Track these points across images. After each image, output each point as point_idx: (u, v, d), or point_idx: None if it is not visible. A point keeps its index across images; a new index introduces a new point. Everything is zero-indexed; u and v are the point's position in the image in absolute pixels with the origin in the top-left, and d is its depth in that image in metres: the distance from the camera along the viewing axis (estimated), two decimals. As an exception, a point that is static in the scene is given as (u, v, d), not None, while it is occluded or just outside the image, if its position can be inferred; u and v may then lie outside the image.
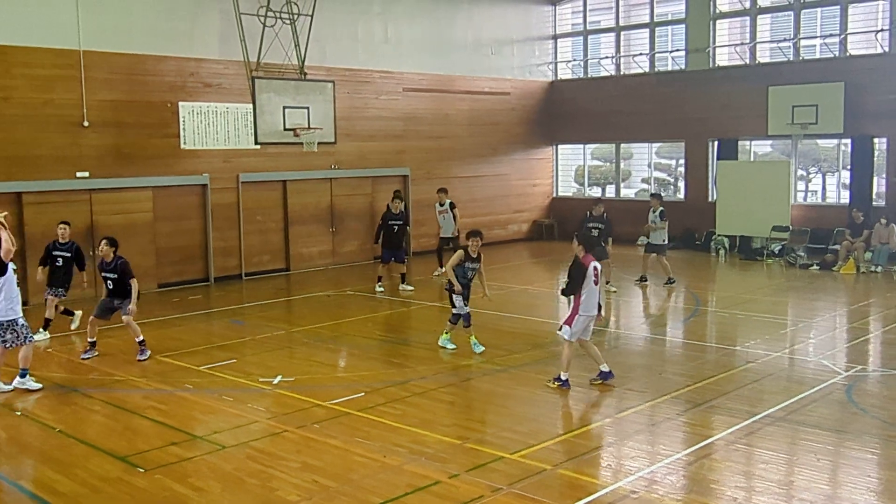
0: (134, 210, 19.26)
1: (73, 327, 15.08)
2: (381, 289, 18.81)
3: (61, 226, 14.75)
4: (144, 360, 12.91)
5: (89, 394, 11.36)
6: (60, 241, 14.67)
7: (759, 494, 7.82)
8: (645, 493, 7.79)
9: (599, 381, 11.36)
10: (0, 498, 8.27)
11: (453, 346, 13.36)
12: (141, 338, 13.10)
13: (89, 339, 13.34)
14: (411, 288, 19.11)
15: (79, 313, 15.13)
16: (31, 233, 17.64)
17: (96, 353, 13.29)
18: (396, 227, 19.01)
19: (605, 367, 11.38)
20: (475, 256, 13.19)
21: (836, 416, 10.01)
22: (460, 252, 13.28)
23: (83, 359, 13.13)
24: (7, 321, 11.19)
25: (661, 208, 19.54)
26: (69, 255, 14.63)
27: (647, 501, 7.63)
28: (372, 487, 7.98)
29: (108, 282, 13.20)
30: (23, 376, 11.38)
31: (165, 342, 14.06)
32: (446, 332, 13.55)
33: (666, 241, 20.03)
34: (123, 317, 13.09)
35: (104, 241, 13.21)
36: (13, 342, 11.25)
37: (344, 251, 23.18)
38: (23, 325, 11.38)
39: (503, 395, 11.15)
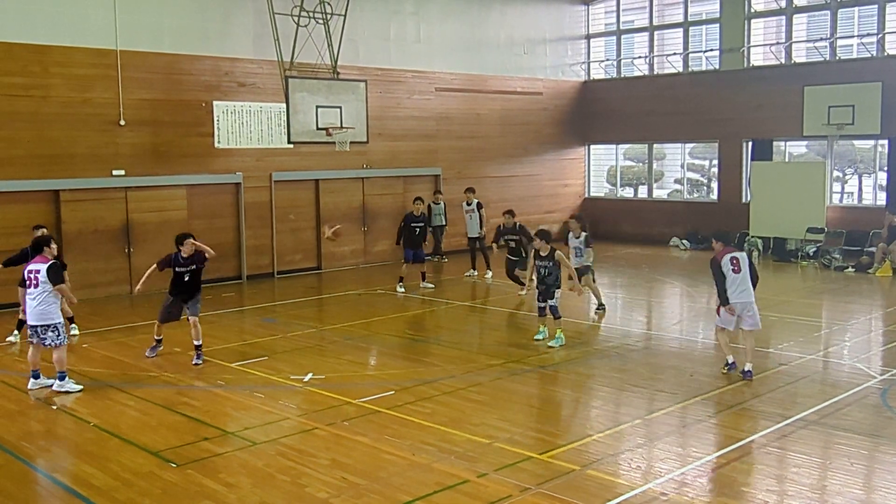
0: (168, 208, 19.44)
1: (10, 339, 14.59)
2: (402, 289, 18.84)
3: (189, 240, 13.17)
4: (199, 364, 12.74)
5: (124, 389, 11.49)
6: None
7: (791, 498, 7.77)
8: (675, 496, 7.75)
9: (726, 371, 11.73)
10: (36, 490, 8.39)
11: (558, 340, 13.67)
12: (200, 342, 12.89)
13: (156, 337, 13.24)
14: (431, 286, 19.26)
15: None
16: (68, 230, 17.87)
17: (160, 350, 13.28)
18: (418, 230, 19.15)
19: (747, 366, 11.44)
20: (545, 255, 13.61)
21: (870, 420, 9.90)
22: (532, 252, 13.97)
23: (149, 356, 13.09)
24: (52, 323, 11.29)
25: (585, 234, 16.51)
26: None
27: None
28: (400, 485, 8.01)
29: (186, 275, 12.88)
30: (61, 379, 11.35)
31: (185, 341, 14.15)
32: (543, 326, 13.99)
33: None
34: (191, 318, 12.89)
35: (187, 239, 12.98)
36: (53, 341, 11.27)
37: (375, 250, 23.25)
38: (62, 326, 11.45)
39: (533, 395, 11.15)
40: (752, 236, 24.33)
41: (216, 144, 20.24)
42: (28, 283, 11.33)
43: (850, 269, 21.15)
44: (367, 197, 23.15)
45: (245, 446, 9.18)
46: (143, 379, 12.01)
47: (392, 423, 9.80)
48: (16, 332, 14.39)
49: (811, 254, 22.82)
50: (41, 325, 11.25)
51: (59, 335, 11.31)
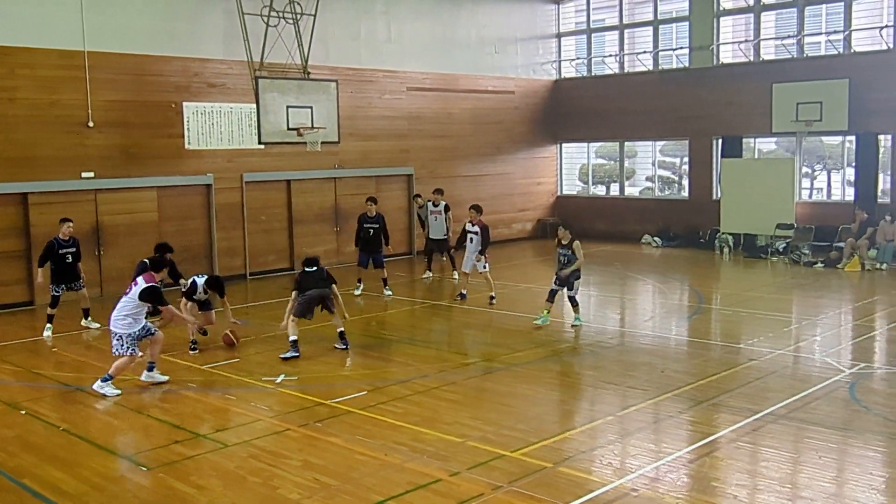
0: (138, 210, 19.32)
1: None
2: (359, 291, 18.51)
3: (68, 224, 14.98)
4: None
5: (93, 392, 11.39)
6: (63, 238, 14.87)
7: (761, 492, 7.82)
8: (646, 491, 7.79)
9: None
10: (4, 496, 8.30)
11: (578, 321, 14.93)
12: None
13: (292, 338, 13.13)
14: (390, 293, 18.40)
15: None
16: (37, 234, 17.71)
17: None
18: (372, 231, 18.35)
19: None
20: (566, 243, 14.85)
21: (839, 413, 9.99)
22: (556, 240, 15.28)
23: (283, 358, 12.87)
24: (120, 333, 11.37)
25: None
26: (75, 249, 14.98)
27: (648, 499, 7.63)
28: (373, 485, 8.00)
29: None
30: (104, 380, 11.32)
31: (169, 341, 14.03)
32: (546, 312, 14.97)
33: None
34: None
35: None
36: (118, 348, 11.36)
37: (348, 250, 23.11)
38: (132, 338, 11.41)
39: (505, 393, 11.16)
40: (723, 233, 24.49)
41: (186, 146, 20.14)
42: (128, 288, 11.54)
43: (819, 265, 21.34)
44: (340, 197, 23.11)
45: (216, 448, 9.14)
46: (113, 382, 11.90)
47: (365, 424, 9.79)
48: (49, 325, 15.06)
49: (781, 250, 23.01)
50: (112, 332, 11.49)
51: (122, 344, 11.35)
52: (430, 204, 20.92)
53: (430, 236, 20.89)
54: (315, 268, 13.54)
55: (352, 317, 16.06)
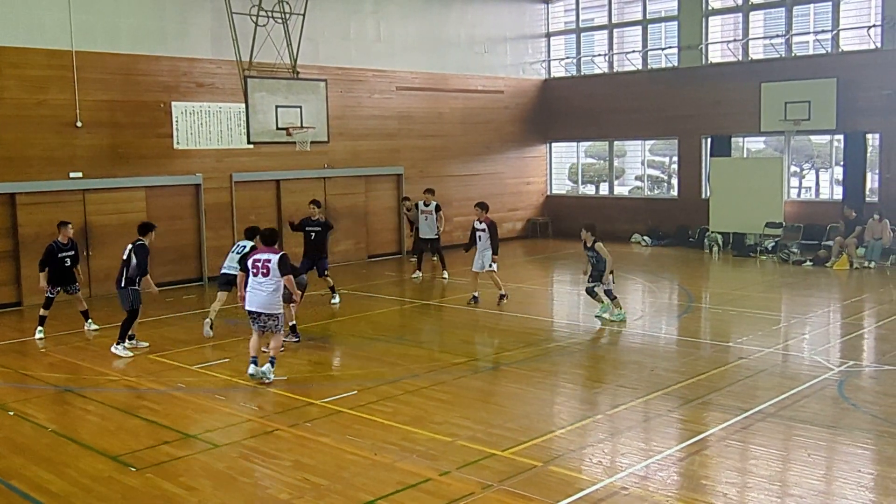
0: (127, 210, 19.23)
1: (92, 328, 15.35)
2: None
3: (68, 226, 14.93)
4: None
5: (82, 393, 11.36)
6: (62, 241, 14.76)
7: (751, 490, 7.84)
8: (636, 490, 7.80)
9: None
10: (-8, 498, 8.28)
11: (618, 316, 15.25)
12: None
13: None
14: (337, 302, 17.46)
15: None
16: (25, 234, 17.65)
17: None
18: (314, 234, 16.95)
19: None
20: (589, 245, 15.43)
21: (827, 411, 10.02)
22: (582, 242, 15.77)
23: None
24: (276, 314, 11.68)
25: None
26: (74, 252, 14.91)
27: (638, 498, 7.64)
28: (363, 485, 7.99)
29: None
30: (272, 364, 11.57)
31: (159, 342, 14.06)
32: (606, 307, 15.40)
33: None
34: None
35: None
36: (273, 328, 11.69)
37: (338, 250, 23.13)
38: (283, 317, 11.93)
39: (494, 392, 11.17)
40: (712, 232, 24.54)
41: (175, 145, 20.08)
42: (255, 271, 11.55)
43: (808, 263, 21.40)
44: (329, 197, 23.06)
45: (206, 449, 9.12)
46: (102, 383, 11.89)
47: (354, 423, 9.78)
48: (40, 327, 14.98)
49: (770, 248, 23.07)
50: (266, 314, 11.59)
51: (278, 324, 11.71)
52: (420, 203, 20.70)
53: (421, 236, 20.71)
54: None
55: (341, 317, 16.10)
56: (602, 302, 15.45)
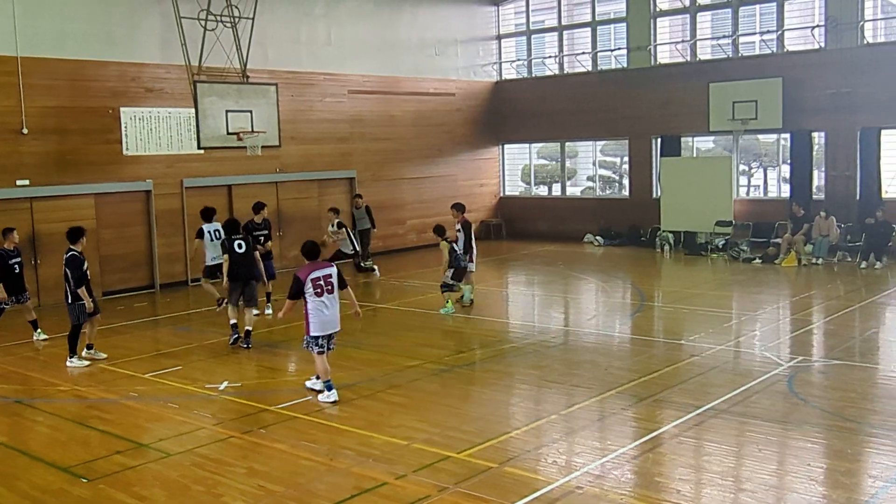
0: (76, 218, 18.83)
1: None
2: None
3: (13, 232, 14.72)
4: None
5: (32, 404, 11.19)
6: (9, 248, 14.52)
7: (704, 486, 7.94)
8: (591, 489, 7.85)
9: None
10: (-61, 513, 8.13)
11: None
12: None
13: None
14: (269, 313, 16.73)
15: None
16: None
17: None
18: (262, 238, 16.75)
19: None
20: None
21: (778, 406, 10.17)
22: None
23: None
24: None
25: (338, 219, 20.51)
26: (20, 259, 14.74)
27: (593, 497, 7.70)
28: (319, 491, 7.96)
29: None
30: (329, 389, 10.82)
31: (111, 350, 13.86)
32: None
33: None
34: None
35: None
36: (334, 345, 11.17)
37: (291, 255, 23.00)
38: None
39: (449, 394, 11.18)
40: (664, 231, 24.78)
41: (125, 151, 19.87)
42: (320, 290, 10.67)
43: (757, 261, 21.70)
44: (282, 201, 22.95)
45: (159, 458, 9.02)
46: (52, 394, 11.72)
47: (310, 429, 9.74)
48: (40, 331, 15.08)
49: (720, 246, 23.35)
50: (335, 333, 11.05)
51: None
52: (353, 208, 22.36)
53: (359, 228, 22.05)
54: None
55: (294, 322, 15.98)
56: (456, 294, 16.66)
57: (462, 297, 16.83)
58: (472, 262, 16.94)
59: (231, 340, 14.05)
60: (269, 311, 16.72)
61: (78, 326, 13.10)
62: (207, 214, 16.54)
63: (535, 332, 15.08)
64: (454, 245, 16.67)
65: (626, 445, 8.99)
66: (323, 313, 10.72)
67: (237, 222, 15.00)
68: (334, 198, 23.79)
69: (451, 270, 16.41)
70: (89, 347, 13.37)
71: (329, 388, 10.76)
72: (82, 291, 12.93)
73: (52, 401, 11.38)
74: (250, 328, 14.11)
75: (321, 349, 10.79)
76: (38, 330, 15.09)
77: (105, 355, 13.54)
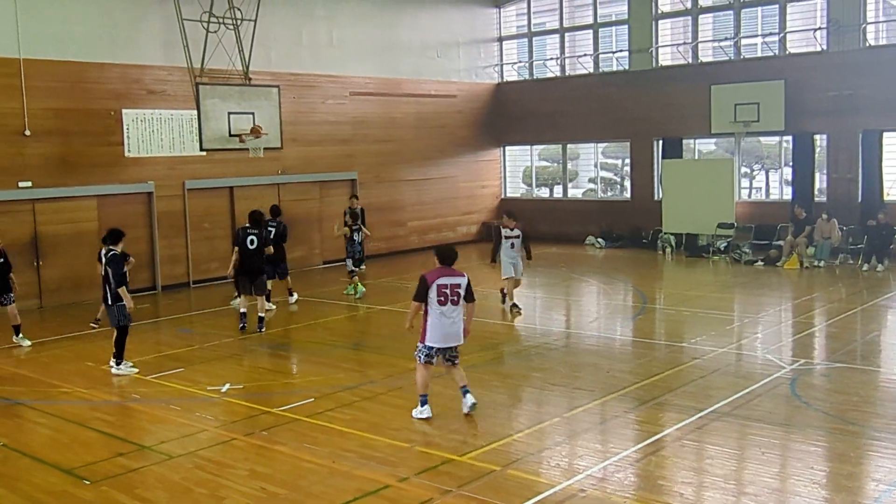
0: (78, 219, 19.00)
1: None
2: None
3: None
4: None
5: (35, 406, 11.20)
6: None
7: (706, 489, 7.94)
8: (594, 492, 7.85)
9: None
10: (-58, 515, 8.13)
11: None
12: None
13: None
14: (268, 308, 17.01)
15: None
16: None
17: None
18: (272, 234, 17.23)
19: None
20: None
21: (780, 409, 10.16)
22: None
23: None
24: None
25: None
26: (3, 259, 14.52)
27: (596, 499, 7.69)
28: (321, 493, 7.96)
29: None
30: (423, 404, 10.18)
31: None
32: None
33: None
34: None
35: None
36: (456, 358, 10.30)
37: (292, 257, 22.95)
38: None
39: (452, 397, 11.13)
40: (665, 233, 24.77)
41: (126, 153, 19.88)
42: (444, 298, 9.99)
43: (759, 263, 21.69)
44: (284, 203, 22.85)
45: (161, 460, 9.02)
46: (55, 395, 11.72)
47: (312, 431, 9.74)
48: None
49: (722, 249, 23.35)
50: (457, 346, 10.25)
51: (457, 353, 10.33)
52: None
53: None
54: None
55: (297, 323, 16.03)
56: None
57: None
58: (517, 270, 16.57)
59: (240, 327, 15.25)
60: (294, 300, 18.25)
61: (124, 329, 12.75)
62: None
63: (536, 334, 15.08)
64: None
65: (628, 448, 8.99)
66: (443, 324, 10.03)
67: (260, 216, 15.89)
68: (336, 199, 23.77)
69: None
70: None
71: (423, 403, 10.17)
72: (123, 291, 12.63)
73: (55, 402, 11.38)
74: (262, 315, 15.32)
75: (429, 359, 10.15)
76: (21, 335, 14.68)
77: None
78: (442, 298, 9.99)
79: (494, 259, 16.80)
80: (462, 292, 10.03)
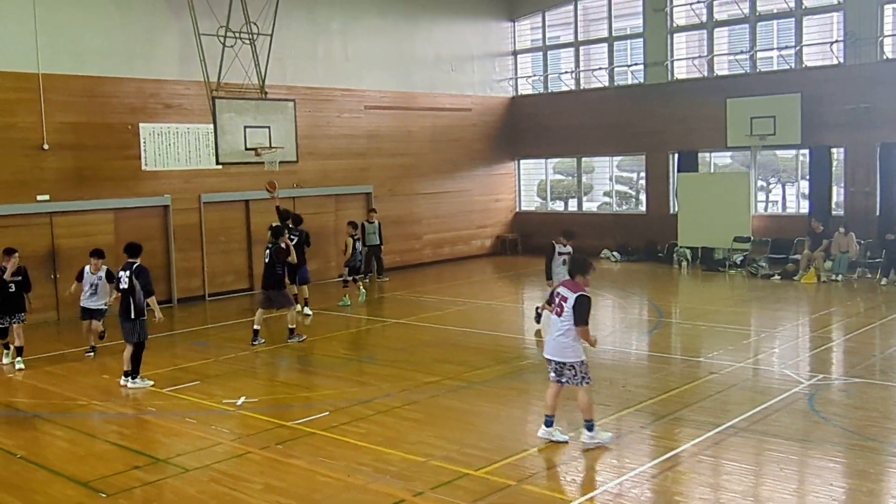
0: (95, 232, 19.06)
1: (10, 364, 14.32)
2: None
3: (14, 254, 14.14)
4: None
5: (51, 419, 11.22)
6: (9, 269, 14.01)
7: (723, 505, 7.89)
8: (610, 507, 7.82)
9: None
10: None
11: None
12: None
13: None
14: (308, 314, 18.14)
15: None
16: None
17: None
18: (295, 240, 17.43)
19: None
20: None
21: (798, 425, 10.09)
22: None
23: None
24: (570, 362, 9.66)
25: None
26: (20, 278, 14.22)
27: (612, 515, 7.66)
28: (337, 508, 7.95)
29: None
30: (590, 429, 9.51)
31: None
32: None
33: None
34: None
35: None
36: (572, 379, 9.68)
37: (308, 269, 23.06)
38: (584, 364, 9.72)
39: (467, 411, 11.14)
40: (681, 247, 24.69)
41: (143, 167, 19.97)
42: (554, 307, 9.81)
43: (776, 277, 21.58)
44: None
45: (177, 473, 9.02)
46: (71, 408, 11.75)
47: (327, 445, 9.73)
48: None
49: (738, 262, 23.24)
50: (557, 361, 9.71)
51: (576, 374, 9.62)
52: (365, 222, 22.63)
53: (368, 243, 22.40)
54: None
55: (312, 337, 16.02)
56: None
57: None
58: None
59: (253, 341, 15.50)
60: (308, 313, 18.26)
61: (142, 345, 12.75)
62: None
63: (552, 348, 15.00)
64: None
65: (644, 464, 8.94)
66: (550, 332, 9.82)
67: (278, 228, 16.50)
68: (351, 213, 23.80)
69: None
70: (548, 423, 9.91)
71: (546, 424, 9.64)
72: (153, 300, 12.72)
73: (71, 415, 11.41)
74: (292, 326, 15.71)
75: (550, 373, 9.76)
76: (19, 358, 14.15)
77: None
78: (552, 306, 9.85)
79: (550, 276, 16.00)
80: (568, 307, 9.57)
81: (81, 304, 14.89)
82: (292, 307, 16.09)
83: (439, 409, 11.24)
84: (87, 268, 14.71)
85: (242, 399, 11.73)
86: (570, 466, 9.01)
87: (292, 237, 17.63)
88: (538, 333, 15.45)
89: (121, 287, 12.77)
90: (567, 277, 14.40)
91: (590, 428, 9.48)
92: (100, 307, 14.78)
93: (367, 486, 8.42)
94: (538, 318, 15.86)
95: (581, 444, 9.45)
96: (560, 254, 16.21)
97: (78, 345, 15.22)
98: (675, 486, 8.32)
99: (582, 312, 9.50)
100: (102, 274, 14.65)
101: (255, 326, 15.57)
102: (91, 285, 14.70)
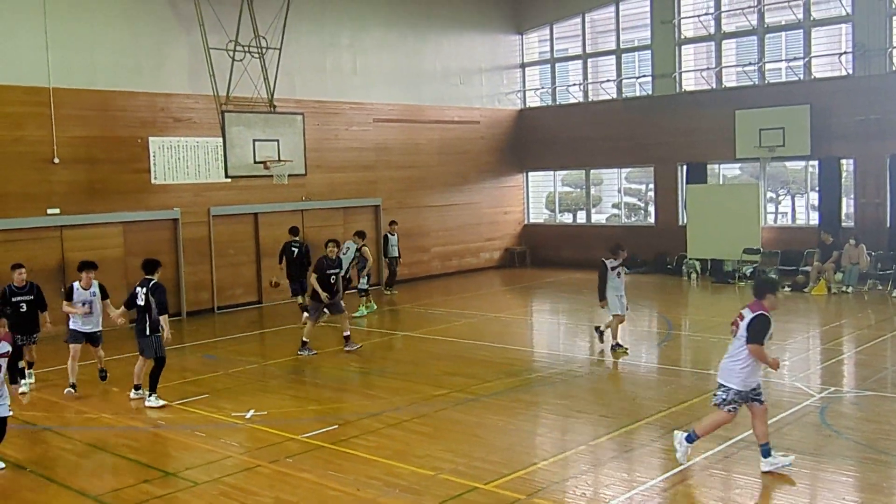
0: (105, 246, 19.12)
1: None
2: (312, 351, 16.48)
3: (21, 269, 13.48)
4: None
5: (61, 432, 11.24)
6: (17, 285, 13.41)
7: (735, 519, 7.84)
8: (620, 521, 7.78)
9: None
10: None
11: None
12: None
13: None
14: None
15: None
16: (1, 271, 17.42)
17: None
18: (333, 277, 16.28)
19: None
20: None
21: (810, 438, 10.05)
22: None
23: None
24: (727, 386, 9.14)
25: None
26: (31, 297, 13.50)
27: (622, 529, 7.62)
28: (346, 522, 7.93)
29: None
30: (766, 455, 8.97)
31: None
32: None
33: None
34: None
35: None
36: (716, 401, 9.17)
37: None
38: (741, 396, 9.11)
39: (476, 424, 11.11)
40: (690, 258, 24.64)
41: (153, 180, 20.03)
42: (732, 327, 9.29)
43: (786, 289, 21.48)
44: (308, 229, 22.98)
45: (187, 487, 9.02)
46: (81, 421, 11.77)
47: (336, 458, 9.71)
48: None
49: (748, 274, 23.17)
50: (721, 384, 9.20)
51: (723, 398, 9.11)
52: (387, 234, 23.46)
53: (390, 255, 23.46)
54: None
55: (321, 350, 16.00)
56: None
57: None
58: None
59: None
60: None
61: (163, 360, 12.60)
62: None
63: (561, 360, 14.98)
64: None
65: (655, 478, 8.90)
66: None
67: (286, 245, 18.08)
68: (360, 225, 23.80)
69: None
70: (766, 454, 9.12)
71: (765, 455, 8.99)
72: (165, 319, 12.51)
73: (81, 429, 11.42)
74: (347, 333, 15.90)
75: (731, 407, 9.06)
76: (30, 371, 13.82)
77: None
78: (732, 328, 9.33)
79: (603, 296, 15.43)
80: (742, 324, 9.05)
81: (71, 327, 13.38)
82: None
83: (448, 422, 11.22)
84: (76, 284, 13.30)
85: (251, 412, 11.72)
86: (579, 480, 8.97)
87: (293, 249, 18.77)
88: (602, 353, 15.22)
89: (138, 303, 12.56)
90: (623, 291, 14.09)
91: (690, 440, 9.16)
92: (95, 331, 13.50)
93: (377, 500, 8.41)
94: (601, 336, 15.52)
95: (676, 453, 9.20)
96: (613, 268, 15.62)
97: (85, 358, 15.18)
98: (687, 500, 8.30)
99: (757, 331, 8.90)
100: (96, 290, 13.36)
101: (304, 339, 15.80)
102: (84, 304, 13.22)
